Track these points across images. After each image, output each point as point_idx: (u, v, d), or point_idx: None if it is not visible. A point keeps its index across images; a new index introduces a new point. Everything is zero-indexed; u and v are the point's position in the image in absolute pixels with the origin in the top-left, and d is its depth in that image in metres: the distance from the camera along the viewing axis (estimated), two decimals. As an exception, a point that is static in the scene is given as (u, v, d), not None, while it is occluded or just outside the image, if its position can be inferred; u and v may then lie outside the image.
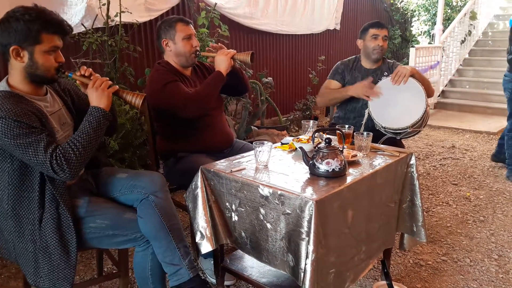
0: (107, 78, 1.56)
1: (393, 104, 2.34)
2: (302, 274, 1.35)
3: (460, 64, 7.18)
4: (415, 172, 1.83)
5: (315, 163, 1.53)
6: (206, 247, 1.61)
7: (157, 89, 2.01)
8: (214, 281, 1.91)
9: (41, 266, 1.46)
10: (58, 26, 1.46)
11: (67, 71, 1.55)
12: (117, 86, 1.58)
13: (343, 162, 1.52)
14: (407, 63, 6.04)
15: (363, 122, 2.44)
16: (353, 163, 1.67)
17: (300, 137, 1.93)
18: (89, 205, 1.56)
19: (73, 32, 3.11)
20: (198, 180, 1.67)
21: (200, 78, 2.24)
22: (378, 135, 2.25)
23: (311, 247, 1.33)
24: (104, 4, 3.08)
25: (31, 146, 1.35)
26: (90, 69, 1.58)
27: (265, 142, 1.66)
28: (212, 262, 1.84)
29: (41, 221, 1.46)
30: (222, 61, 2.06)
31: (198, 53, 2.14)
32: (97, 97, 1.51)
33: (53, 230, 1.45)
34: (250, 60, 2.07)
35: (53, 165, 1.36)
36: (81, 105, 1.68)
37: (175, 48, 2.10)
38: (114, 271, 1.97)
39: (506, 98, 3.59)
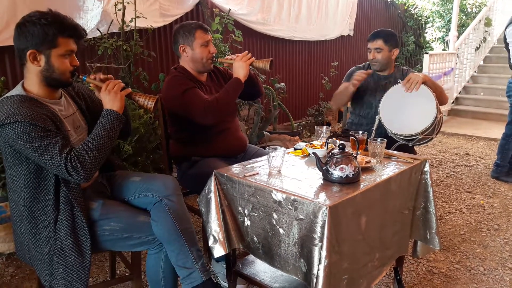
0: (120, 81, 1.58)
1: (404, 110, 2.33)
2: (315, 279, 1.35)
3: (475, 71, 7.10)
4: (429, 179, 1.82)
5: (329, 168, 1.53)
6: (218, 251, 1.62)
7: (175, 96, 2.03)
8: (226, 285, 1.92)
9: (56, 267, 1.48)
10: (73, 30, 1.49)
11: (81, 74, 1.58)
12: (130, 89, 1.60)
13: (357, 168, 1.52)
14: (421, 70, 6.00)
15: (374, 128, 2.43)
16: (367, 170, 1.67)
17: (313, 142, 1.93)
18: (103, 208, 1.58)
19: (89, 37, 3.18)
20: (212, 184, 1.68)
21: (215, 83, 2.26)
22: (390, 141, 2.24)
23: (324, 253, 1.32)
24: (119, 10, 3.13)
25: (46, 149, 1.37)
26: (105, 75, 1.60)
27: (278, 147, 1.67)
28: (224, 266, 1.85)
29: (56, 223, 1.48)
30: (241, 68, 2.06)
31: (215, 59, 2.15)
32: (110, 100, 1.53)
33: (67, 232, 1.47)
34: (270, 67, 2.07)
35: (67, 167, 1.38)
36: (95, 109, 1.71)
37: (192, 54, 2.12)
38: (126, 274, 1.99)
39: (509, 105, 3.59)
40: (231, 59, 2.15)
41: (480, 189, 3.42)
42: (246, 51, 2.15)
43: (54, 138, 1.39)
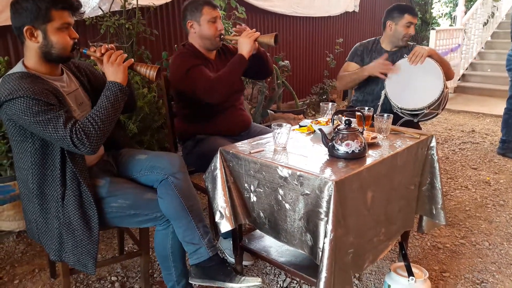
0: (122, 51, 1.55)
1: (410, 85, 2.30)
2: (320, 253, 1.37)
3: (482, 47, 6.97)
4: (435, 155, 1.81)
5: (335, 144, 1.52)
6: (225, 226, 1.63)
7: (180, 73, 2.02)
8: (233, 260, 1.95)
9: (65, 241, 1.51)
10: (66, 2, 1.46)
11: (81, 47, 1.55)
12: (132, 60, 1.58)
13: (363, 144, 1.51)
14: (427, 46, 5.90)
15: (380, 103, 2.41)
16: (373, 145, 1.66)
17: (319, 119, 1.92)
18: (110, 186, 1.59)
19: (91, 16, 3.14)
20: (217, 161, 1.69)
21: (224, 62, 2.22)
22: (395, 118, 2.22)
23: (329, 227, 1.33)
24: (121, -13, 3.07)
25: (50, 122, 1.37)
26: (106, 46, 1.56)
27: (284, 124, 1.66)
28: (231, 242, 1.87)
29: (63, 199, 1.50)
30: (245, 44, 2.03)
31: (222, 36, 2.12)
32: (113, 72, 1.51)
33: (75, 207, 1.49)
34: (274, 42, 2.03)
35: (73, 139, 1.38)
36: (98, 84, 1.70)
37: (200, 30, 2.09)
38: (135, 250, 2.02)
39: (510, 79, 3.54)
40: (238, 33, 2.13)
41: (486, 166, 3.41)
42: (247, 27, 2.12)
43: (58, 111, 1.39)
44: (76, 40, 1.51)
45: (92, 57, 1.60)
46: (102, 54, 1.54)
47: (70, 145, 1.40)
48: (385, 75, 2.37)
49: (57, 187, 1.49)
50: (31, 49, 1.47)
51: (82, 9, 1.55)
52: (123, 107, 1.55)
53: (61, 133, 1.37)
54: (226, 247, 2.09)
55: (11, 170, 2.26)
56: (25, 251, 2.24)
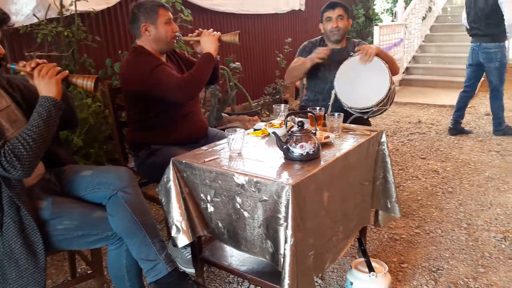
0: (55, 64, 1.45)
1: (359, 84, 2.35)
2: (282, 259, 1.35)
3: (422, 41, 7.34)
4: (386, 150, 1.85)
5: (289, 147, 1.51)
6: (182, 240, 1.57)
7: (142, 74, 1.92)
8: (189, 270, 1.89)
9: (8, 272, 1.38)
10: None
11: (9, 63, 1.43)
12: (67, 72, 1.47)
13: (316, 145, 1.51)
14: (372, 42, 6.11)
15: (330, 103, 2.44)
16: (326, 145, 1.67)
17: (273, 121, 1.91)
18: (53, 206, 1.48)
19: (26, 24, 2.93)
20: (170, 172, 1.62)
21: (175, 64, 2.17)
22: (346, 115, 2.26)
23: (289, 232, 1.31)
24: (56, -8, 2.90)
25: None
26: (37, 60, 1.46)
27: (238, 129, 1.63)
28: (183, 250, 1.81)
29: (1, 226, 1.37)
30: (209, 43, 2.01)
31: (178, 38, 2.07)
32: (45, 85, 1.40)
33: (15, 234, 1.37)
34: (238, 40, 2.03)
35: (2, 163, 1.28)
36: (33, 99, 1.56)
37: (156, 33, 2.01)
38: (88, 272, 1.90)
39: (490, 67, 3.78)
40: (196, 36, 2.09)
41: (433, 155, 3.57)
42: (211, 29, 2.09)
43: None
44: (2, 56, 1.39)
45: (22, 72, 1.48)
46: (33, 68, 1.43)
47: (0, 169, 1.28)
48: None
49: (-7, 214, 1.36)
50: None
51: (11, 21, 1.43)
52: (60, 123, 1.45)
53: None
54: (177, 256, 2.01)
55: None
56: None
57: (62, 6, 2.96)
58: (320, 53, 2.41)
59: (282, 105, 2.04)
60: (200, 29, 2.14)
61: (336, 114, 1.80)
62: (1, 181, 1.35)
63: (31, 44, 2.95)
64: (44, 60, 1.46)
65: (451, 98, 5.53)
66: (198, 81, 1.96)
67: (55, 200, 1.49)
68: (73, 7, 2.98)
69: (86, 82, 1.47)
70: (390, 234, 2.31)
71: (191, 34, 2.14)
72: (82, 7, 3.09)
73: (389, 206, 1.89)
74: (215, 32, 2.06)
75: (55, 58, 2.99)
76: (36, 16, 2.98)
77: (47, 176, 1.61)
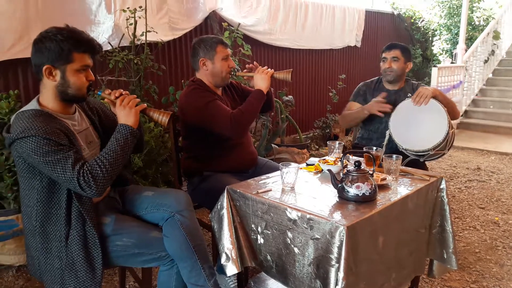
0: (135, 96, 1.57)
1: (415, 125, 2.30)
2: (331, 301, 1.31)
3: (484, 84, 7.06)
4: (445, 197, 1.78)
5: (345, 186, 1.50)
6: (231, 269, 1.59)
7: (197, 107, 2.02)
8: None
9: (67, 282, 1.46)
10: (89, 45, 1.49)
11: (96, 89, 1.57)
12: (145, 104, 1.60)
13: (373, 186, 1.49)
14: (429, 83, 5.97)
15: (384, 143, 2.40)
16: (383, 187, 1.64)
17: (326, 158, 1.91)
18: (115, 223, 1.56)
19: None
20: (224, 200, 1.66)
21: (230, 97, 2.26)
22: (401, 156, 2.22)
23: (341, 274, 1.29)
24: (131, 24, 3.15)
25: (59, 163, 1.36)
26: (121, 90, 1.60)
27: (292, 163, 1.65)
28: (227, 279, 1.82)
29: (67, 238, 1.47)
30: (262, 80, 2.09)
31: (233, 73, 2.16)
32: (125, 115, 1.53)
33: (79, 247, 1.46)
34: (290, 78, 2.10)
35: (80, 182, 1.37)
36: (109, 123, 1.71)
37: (213, 68, 2.12)
38: (136, 289, 1.96)
39: None
40: (250, 72, 2.18)
41: (493, 205, 3.36)
42: (258, 65, 2.16)
43: (67, 152, 1.38)
44: (91, 82, 1.53)
45: (106, 100, 1.62)
46: (116, 97, 1.56)
47: (77, 187, 1.38)
48: (384, 113, 2.39)
49: (61, 227, 1.46)
50: (48, 87, 1.49)
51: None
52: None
53: (69, 174, 1.36)
54: (221, 283, 2.02)
55: (15, 203, 2.23)
56: (24, 287, 2.18)
57: (134, 36, 3.20)
58: (380, 107, 2.39)
59: (337, 142, 2.04)
60: (255, 62, 2.22)
61: (394, 156, 1.77)
62: (73, 197, 1.46)
63: (103, 69, 3.20)
64: (127, 91, 1.59)
65: (514, 145, 5.24)
66: (247, 118, 2.02)
67: (117, 217, 1.58)
68: (143, 37, 3.22)
69: (161, 117, 1.58)
70: (444, 286, 2.18)
71: (245, 70, 2.23)
72: (151, 37, 3.33)
73: (445, 256, 1.79)
74: (268, 69, 2.13)
75: (123, 83, 3.22)
76: (110, 44, 3.24)
77: (112, 194, 1.71)
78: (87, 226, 1.48)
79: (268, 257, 1.57)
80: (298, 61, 5.42)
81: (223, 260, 1.60)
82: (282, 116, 4.38)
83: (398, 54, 2.54)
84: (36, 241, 1.49)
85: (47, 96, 1.50)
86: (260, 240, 1.59)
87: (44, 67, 1.44)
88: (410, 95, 2.48)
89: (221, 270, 1.64)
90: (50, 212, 1.47)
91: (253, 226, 1.61)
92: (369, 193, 1.48)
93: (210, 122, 2.00)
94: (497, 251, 2.58)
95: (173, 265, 1.59)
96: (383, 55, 2.59)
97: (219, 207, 1.69)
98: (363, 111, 2.50)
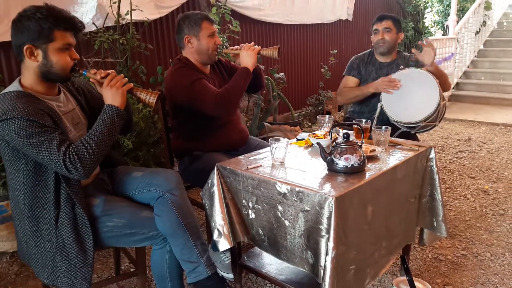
0: (123, 76, 1.54)
1: (406, 98, 2.29)
2: (322, 271, 1.33)
3: (475, 56, 7.04)
4: (434, 166, 1.79)
5: (333, 159, 1.50)
6: (224, 244, 1.60)
7: (183, 87, 1.98)
8: (227, 275, 1.91)
9: (58, 265, 1.46)
10: (69, 23, 1.45)
11: (81, 69, 1.54)
12: (132, 84, 1.57)
13: (362, 158, 1.49)
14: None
15: (376, 115, 2.40)
16: (372, 158, 1.64)
17: (316, 132, 1.90)
18: (105, 204, 1.55)
19: (85, 31, 3.13)
20: (214, 177, 1.66)
21: (218, 75, 2.22)
22: (392, 128, 2.21)
23: (331, 244, 1.30)
24: (114, 3, 3.07)
25: (44, 145, 1.34)
26: (107, 71, 1.56)
27: (281, 138, 1.64)
28: (222, 255, 1.83)
29: (57, 221, 1.46)
30: (248, 57, 2.03)
31: (219, 50, 2.11)
32: (112, 95, 1.50)
33: (69, 229, 1.45)
34: (277, 54, 2.04)
35: (66, 163, 1.35)
36: (96, 104, 1.68)
37: (198, 45, 2.07)
38: (131, 270, 1.97)
39: None
40: (236, 49, 2.13)
41: (483, 175, 3.40)
42: (253, 43, 2.12)
43: (52, 133, 1.35)
44: (76, 61, 1.50)
45: (91, 80, 1.58)
46: (103, 78, 1.53)
47: (63, 169, 1.36)
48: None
49: (50, 210, 1.45)
50: (30, 68, 1.44)
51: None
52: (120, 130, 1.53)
53: (54, 156, 1.34)
54: (216, 260, 2.04)
55: (4, 189, 2.22)
56: (19, 272, 2.19)
57: (119, 15, 3.13)
58: (392, 86, 2.32)
59: (327, 116, 2.03)
60: (241, 45, 2.16)
61: (383, 127, 1.77)
62: (61, 180, 1.45)
63: (88, 51, 3.14)
64: (113, 71, 1.56)
65: (504, 116, 5.27)
66: (233, 96, 1.98)
67: (107, 198, 1.57)
68: (128, 17, 3.14)
69: (148, 97, 1.55)
70: (435, 254, 2.22)
71: (231, 47, 2.18)
72: (137, 16, 3.25)
73: (435, 225, 1.82)
74: (255, 46, 2.08)
75: (110, 64, 3.17)
76: (95, 24, 3.17)
77: (101, 176, 1.70)
78: (76, 209, 1.47)
79: (260, 231, 1.58)
80: (289, 37, 5.34)
81: (215, 236, 1.61)
82: (274, 94, 4.35)
83: (390, 24, 2.51)
84: (25, 225, 1.48)
85: (30, 77, 1.46)
86: (252, 215, 1.60)
87: (25, 47, 1.40)
88: (403, 67, 2.47)
89: (216, 247, 1.65)
90: (37, 196, 1.45)
91: (244, 201, 1.62)
92: (358, 164, 1.48)
93: (196, 101, 1.97)
94: (487, 219, 2.62)
95: (165, 244, 1.60)
96: (375, 27, 2.56)
97: (209, 184, 1.69)
98: (367, 89, 2.47)
